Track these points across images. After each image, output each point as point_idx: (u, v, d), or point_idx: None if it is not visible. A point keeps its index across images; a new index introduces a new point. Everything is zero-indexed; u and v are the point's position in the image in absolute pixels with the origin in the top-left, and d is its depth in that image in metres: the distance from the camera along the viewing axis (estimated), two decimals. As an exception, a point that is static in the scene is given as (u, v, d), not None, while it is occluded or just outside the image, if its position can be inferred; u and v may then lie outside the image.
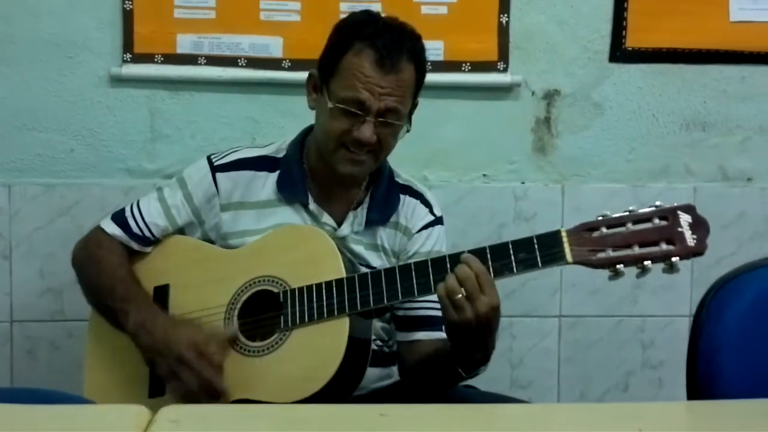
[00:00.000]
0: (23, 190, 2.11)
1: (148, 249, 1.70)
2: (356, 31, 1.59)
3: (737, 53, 2.22)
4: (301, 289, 1.55)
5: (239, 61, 2.12)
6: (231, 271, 1.62)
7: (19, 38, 2.09)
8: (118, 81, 2.11)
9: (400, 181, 1.76)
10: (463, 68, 2.16)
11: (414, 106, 1.67)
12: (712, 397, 1.43)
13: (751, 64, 2.22)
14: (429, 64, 2.10)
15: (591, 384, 2.26)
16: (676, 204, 1.41)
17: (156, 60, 2.11)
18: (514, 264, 1.43)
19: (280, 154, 1.72)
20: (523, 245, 1.43)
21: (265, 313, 1.59)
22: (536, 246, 1.42)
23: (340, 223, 1.69)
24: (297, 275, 1.56)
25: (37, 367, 2.13)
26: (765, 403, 1.30)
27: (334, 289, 1.53)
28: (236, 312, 1.59)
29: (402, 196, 1.73)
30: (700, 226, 1.40)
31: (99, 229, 1.71)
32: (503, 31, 2.16)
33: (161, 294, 1.66)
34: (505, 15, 2.16)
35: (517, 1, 2.16)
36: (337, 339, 1.51)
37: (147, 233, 1.69)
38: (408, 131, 1.64)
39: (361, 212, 1.69)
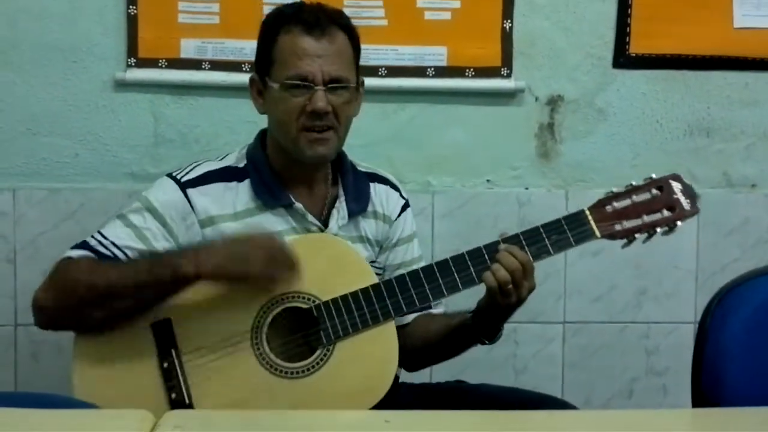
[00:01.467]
0: (28, 195, 2.11)
1: None
2: (278, 19, 1.63)
3: (741, 59, 2.22)
4: (335, 300, 1.52)
5: (243, 66, 2.13)
6: (243, 294, 1.52)
7: (24, 43, 2.09)
8: (123, 86, 2.11)
9: (363, 169, 1.75)
10: (466, 74, 2.16)
11: (361, 83, 1.67)
12: (718, 404, 1.43)
13: (755, 71, 2.22)
14: (432, 69, 2.16)
15: (595, 390, 2.25)
16: (665, 175, 1.60)
17: (160, 65, 2.12)
18: (549, 246, 1.54)
19: (242, 164, 1.66)
20: (553, 228, 1.55)
21: (296, 332, 1.54)
22: (566, 227, 1.55)
23: (324, 221, 1.66)
24: (324, 287, 1.53)
25: (41, 371, 2.13)
26: (770, 411, 1.30)
27: (372, 295, 1.53)
28: (264, 335, 1.52)
29: (371, 184, 1.74)
30: (689, 191, 1.59)
31: (60, 261, 1.55)
32: (507, 37, 2.16)
33: (163, 329, 1.52)
34: (509, 21, 2.16)
35: (520, 6, 2.16)
36: (389, 345, 1.52)
37: (120, 255, 1.55)
38: (362, 98, 1.66)
39: (341, 206, 1.68)
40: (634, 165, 2.23)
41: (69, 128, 2.12)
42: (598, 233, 1.55)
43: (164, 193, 1.61)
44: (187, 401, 1.51)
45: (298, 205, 1.64)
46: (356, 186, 1.70)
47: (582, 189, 2.22)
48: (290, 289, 1.52)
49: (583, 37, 2.19)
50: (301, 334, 1.54)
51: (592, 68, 2.20)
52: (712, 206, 2.21)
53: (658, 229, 1.56)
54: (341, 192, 1.69)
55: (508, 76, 2.17)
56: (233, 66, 2.12)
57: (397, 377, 1.73)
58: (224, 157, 1.70)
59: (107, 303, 1.51)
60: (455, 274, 1.54)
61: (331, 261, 1.56)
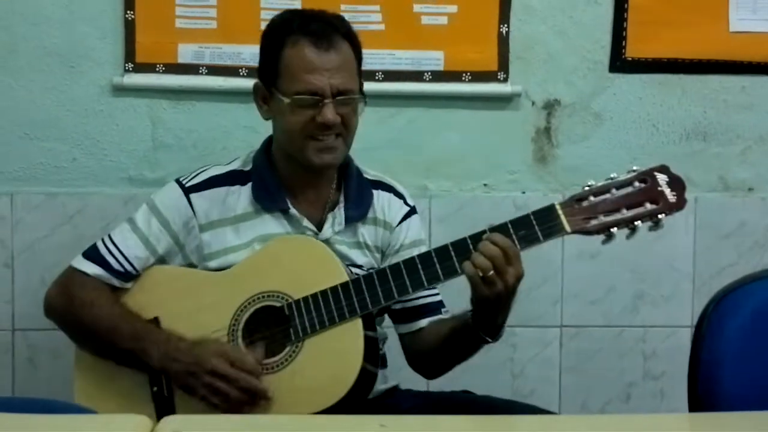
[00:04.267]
0: (25, 199, 2.12)
1: (129, 285, 1.66)
2: (284, 28, 1.64)
3: (737, 63, 2.22)
4: (306, 299, 1.55)
5: (240, 70, 2.13)
6: (225, 293, 1.60)
7: (22, 48, 2.09)
8: (120, 90, 2.11)
9: (369, 177, 1.77)
10: (463, 78, 2.17)
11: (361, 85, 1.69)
12: (714, 408, 1.43)
13: (751, 75, 2.23)
14: (429, 74, 2.16)
15: (592, 394, 2.26)
16: (651, 166, 1.52)
17: (158, 69, 2.12)
18: (516, 241, 1.49)
19: (248, 167, 1.71)
20: (521, 223, 1.50)
21: (270, 329, 1.58)
22: (534, 222, 1.49)
23: (319, 226, 1.68)
24: (298, 286, 1.56)
25: (38, 376, 2.13)
26: (766, 416, 1.30)
27: (341, 292, 1.54)
28: (239, 332, 1.58)
29: (375, 191, 1.75)
30: (676, 182, 1.51)
31: (76, 271, 1.66)
32: (503, 41, 2.17)
33: None
34: (506, 25, 2.17)
35: (517, 11, 2.17)
36: (354, 340, 1.52)
37: (129, 267, 1.64)
38: (366, 104, 1.66)
39: (339, 212, 1.69)
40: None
41: (67, 133, 2.12)
42: (568, 228, 1.49)
43: (169, 198, 1.68)
44: (166, 393, 1.59)
45: (293, 210, 1.67)
46: (359, 192, 1.72)
47: (579, 193, 2.22)
48: (268, 289, 1.57)
49: (579, 42, 2.20)
50: (274, 331, 1.58)
51: (589, 72, 2.21)
52: (709, 210, 2.22)
53: (639, 223, 1.47)
54: (342, 198, 1.70)
55: (505, 80, 2.18)
56: (231, 71, 2.13)
57: (372, 374, 1.74)
58: (232, 162, 1.74)
59: (90, 338, 1.65)
60: (437, 265, 1.52)
61: (308, 262, 1.59)
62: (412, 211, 1.79)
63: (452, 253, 1.51)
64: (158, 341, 1.57)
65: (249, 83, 2.10)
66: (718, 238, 2.24)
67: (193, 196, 1.66)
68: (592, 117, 2.22)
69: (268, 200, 1.67)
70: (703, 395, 1.46)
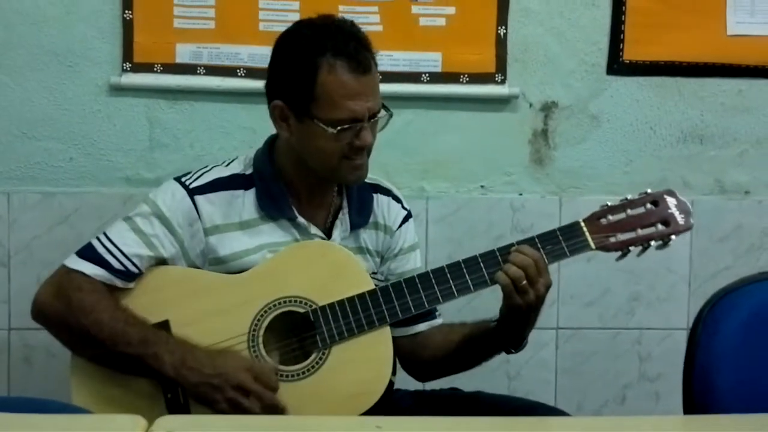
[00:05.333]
0: (22, 198, 2.11)
1: (131, 285, 1.58)
2: (316, 49, 1.54)
3: (735, 67, 2.23)
4: (332, 305, 1.54)
5: (238, 71, 2.13)
6: (241, 297, 1.55)
7: (19, 47, 2.09)
8: (118, 90, 2.11)
9: (367, 180, 1.75)
10: (461, 80, 2.17)
11: None
12: (709, 411, 1.43)
13: (749, 78, 2.23)
14: (427, 75, 2.16)
15: (588, 396, 2.26)
16: (660, 190, 1.63)
17: (155, 69, 2.12)
18: (544, 255, 1.55)
19: (249, 171, 1.65)
20: (548, 238, 1.57)
21: (292, 336, 1.56)
22: (560, 237, 1.57)
23: (326, 233, 1.67)
24: (323, 292, 1.54)
25: (34, 376, 2.13)
26: (761, 418, 1.30)
27: (369, 299, 1.54)
28: (260, 338, 1.54)
29: (374, 195, 1.74)
30: (683, 206, 1.61)
31: (72, 272, 1.56)
32: (501, 43, 2.17)
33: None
34: (503, 27, 2.17)
35: (515, 13, 2.17)
36: (383, 349, 1.53)
37: (131, 267, 1.56)
38: (391, 116, 1.64)
39: (344, 218, 1.69)
40: (627, 171, 2.24)
41: (64, 132, 2.12)
42: (593, 244, 1.57)
43: (172, 199, 1.61)
44: (182, 401, 1.53)
45: (301, 219, 1.64)
46: (360, 197, 1.71)
47: (575, 195, 2.22)
48: (289, 294, 1.54)
49: (577, 44, 2.20)
50: (298, 338, 1.55)
51: (586, 75, 2.21)
52: (705, 213, 2.22)
53: (653, 243, 1.58)
54: (345, 203, 1.70)
55: (503, 82, 2.18)
56: (228, 71, 2.13)
57: (392, 383, 1.74)
58: (230, 163, 1.68)
59: (91, 345, 1.55)
60: (467, 276, 1.55)
61: (331, 267, 1.57)
62: (409, 215, 1.79)
63: (481, 265, 1.55)
64: (172, 348, 1.51)
65: (247, 84, 2.12)
66: (714, 241, 2.25)
67: (198, 198, 1.60)
68: (590, 119, 2.22)
69: (274, 208, 1.63)
70: (699, 397, 1.46)
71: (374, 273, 1.71)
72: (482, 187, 2.22)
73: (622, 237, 1.58)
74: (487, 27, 2.17)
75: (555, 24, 2.19)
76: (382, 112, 1.61)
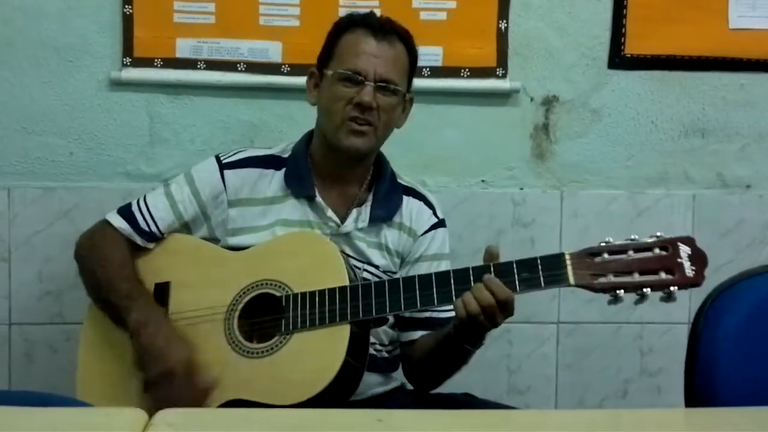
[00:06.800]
0: (22, 193, 2.11)
1: (152, 245, 1.72)
2: (350, 21, 1.71)
3: (736, 60, 2.22)
4: (303, 294, 1.56)
5: (238, 65, 2.13)
6: (234, 273, 1.63)
7: (19, 41, 2.09)
8: (118, 85, 2.11)
9: (403, 183, 1.80)
10: (461, 74, 2.16)
11: (410, 100, 1.74)
12: (710, 404, 1.43)
13: (750, 72, 2.23)
14: (428, 69, 2.16)
15: (589, 391, 2.26)
16: (677, 235, 1.45)
17: (155, 64, 2.12)
18: (517, 283, 1.47)
19: (286, 154, 1.76)
20: (527, 265, 1.48)
21: (266, 316, 1.60)
22: (540, 267, 1.47)
23: (343, 220, 1.71)
24: (300, 280, 1.58)
25: (34, 370, 2.13)
26: (763, 411, 1.30)
27: (337, 296, 1.54)
28: (237, 313, 1.60)
29: (405, 197, 1.76)
30: (699, 258, 1.44)
31: (105, 222, 1.73)
32: (502, 37, 2.17)
33: (162, 291, 1.67)
34: (504, 21, 2.16)
35: (516, 7, 2.16)
36: (337, 345, 1.52)
37: (153, 228, 1.70)
38: (407, 116, 1.73)
39: (365, 210, 1.72)
40: (629, 166, 2.24)
41: (64, 127, 2.12)
42: (572, 280, 1.45)
43: (205, 171, 1.74)
44: None
45: (319, 199, 1.70)
46: (388, 195, 1.74)
47: (577, 189, 2.22)
48: (271, 277, 1.60)
49: (578, 38, 2.19)
50: (269, 318, 1.59)
51: (587, 69, 2.21)
52: (707, 207, 2.22)
53: (648, 291, 1.42)
54: (371, 198, 1.73)
55: (504, 76, 2.18)
56: (229, 66, 2.13)
57: (402, 385, 1.75)
58: (274, 147, 1.80)
59: (95, 286, 1.70)
60: (420, 290, 1.52)
61: (315, 258, 1.60)
62: (440, 224, 1.79)
63: (451, 281, 1.51)
64: (145, 309, 1.61)
65: (247, 78, 2.12)
66: (715, 235, 2.25)
67: (227, 172, 1.71)
68: (591, 113, 2.22)
69: (297, 185, 1.71)
70: (700, 391, 1.46)
71: (393, 272, 1.73)
72: (483, 181, 2.22)
73: (614, 279, 1.43)
74: (488, 21, 2.16)
75: (556, 18, 2.19)
76: (397, 90, 1.66)
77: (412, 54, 1.72)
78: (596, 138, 2.23)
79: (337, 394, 1.52)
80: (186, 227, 1.73)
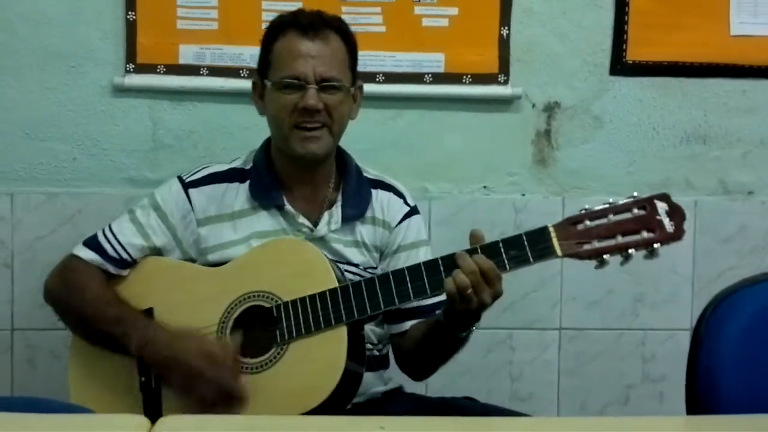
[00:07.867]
0: (26, 199, 2.12)
1: (125, 272, 1.68)
2: (277, 25, 1.69)
3: (738, 67, 2.22)
4: (294, 302, 1.55)
5: (241, 71, 2.13)
6: (218, 289, 1.61)
7: (23, 48, 2.10)
8: (121, 91, 2.12)
9: (370, 176, 1.78)
10: (463, 80, 2.17)
11: (359, 88, 1.72)
12: (712, 411, 1.43)
13: (752, 78, 2.23)
14: (430, 75, 2.16)
15: (591, 397, 2.25)
16: (653, 194, 1.48)
17: (158, 70, 2.12)
18: (506, 261, 1.47)
19: (248, 166, 1.74)
20: (513, 243, 1.48)
21: (258, 329, 1.58)
22: (526, 243, 1.47)
23: (315, 224, 1.70)
24: (288, 288, 1.56)
25: (37, 376, 2.13)
26: (764, 418, 1.30)
27: (329, 298, 1.54)
28: (228, 329, 1.58)
29: (373, 191, 1.75)
30: (676, 212, 1.47)
31: (72, 257, 1.69)
32: (504, 44, 2.17)
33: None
34: (506, 27, 2.17)
35: (518, 13, 2.17)
36: (336, 348, 1.52)
37: (124, 254, 1.67)
38: (360, 99, 1.71)
39: (336, 211, 1.71)
40: (631, 172, 2.24)
41: (67, 133, 2.12)
42: (559, 251, 1.46)
43: (169, 193, 1.71)
44: (153, 385, 1.59)
45: (289, 207, 1.69)
46: (357, 191, 1.72)
47: (578, 196, 2.22)
48: (258, 289, 1.58)
49: (580, 44, 2.20)
50: (263, 332, 1.58)
51: (589, 75, 2.21)
52: (709, 213, 2.22)
53: (632, 251, 1.44)
54: (340, 197, 1.71)
55: (506, 82, 2.18)
56: (231, 72, 2.13)
57: (400, 387, 1.74)
58: (234, 160, 1.77)
59: (80, 322, 1.67)
60: (425, 279, 1.51)
61: (299, 265, 1.59)
62: (413, 211, 1.79)
63: (441, 268, 1.50)
64: (140, 327, 1.58)
65: (249, 84, 2.11)
66: (718, 242, 2.25)
67: (191, 191, 1.70)
68: (593, 120, 2.22)
69: (264, 197, 1.69)
70: (702, 398, 1.45)
71: (374, 268, 1.72)
72: (485, 187, 2.22)
73: (598, 245, 1.44)
74: (490, 27, 2.17)
75: (558, 24, 2.19)
76: (341, 85, 1.64)
77: (350, 42, 1.69)
78: (598, 144, 2.23)
79: (342, 396, 1.52)
80: (157, 252, 1.69)
